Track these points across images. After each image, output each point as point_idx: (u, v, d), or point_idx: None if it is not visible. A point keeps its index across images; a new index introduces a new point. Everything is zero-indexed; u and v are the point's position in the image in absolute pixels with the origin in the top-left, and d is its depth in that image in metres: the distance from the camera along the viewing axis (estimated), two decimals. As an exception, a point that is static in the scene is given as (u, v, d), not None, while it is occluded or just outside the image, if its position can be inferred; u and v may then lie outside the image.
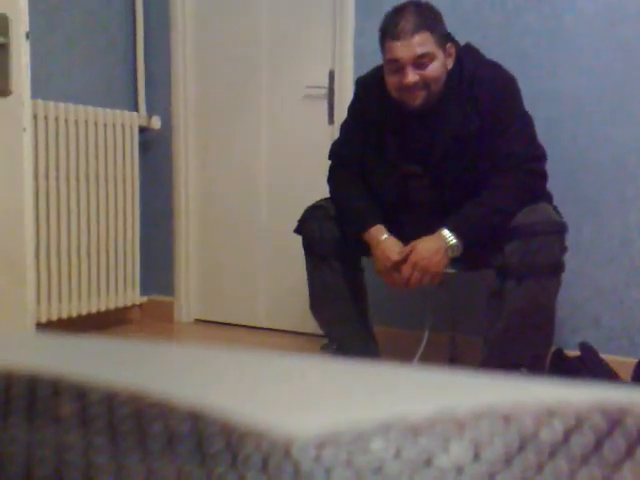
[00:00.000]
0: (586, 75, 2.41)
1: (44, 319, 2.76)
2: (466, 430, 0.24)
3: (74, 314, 2.89)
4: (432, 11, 2.02)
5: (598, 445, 0.24)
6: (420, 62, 1.97)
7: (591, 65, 2.40)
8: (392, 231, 2.08)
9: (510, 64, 2.12)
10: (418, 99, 2.01)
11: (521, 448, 0.24)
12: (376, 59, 2.11)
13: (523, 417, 0.25)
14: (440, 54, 2.00)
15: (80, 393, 0.25)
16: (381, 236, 2.05)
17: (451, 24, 2.11)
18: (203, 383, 0.28)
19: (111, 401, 0.24)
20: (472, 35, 2.28)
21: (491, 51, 2.17)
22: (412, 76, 1.97)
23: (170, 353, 0.32)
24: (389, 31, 1.99)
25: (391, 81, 2.04)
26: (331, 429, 0.24)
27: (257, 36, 3.08)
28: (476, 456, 0.23)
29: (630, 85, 2.35)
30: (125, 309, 3.22)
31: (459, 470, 0.23)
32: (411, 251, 1.97)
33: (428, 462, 0.23)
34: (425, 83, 1.99)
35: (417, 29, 1.95)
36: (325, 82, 2.91)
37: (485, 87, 2.03)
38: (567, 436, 0.24)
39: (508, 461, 0.23)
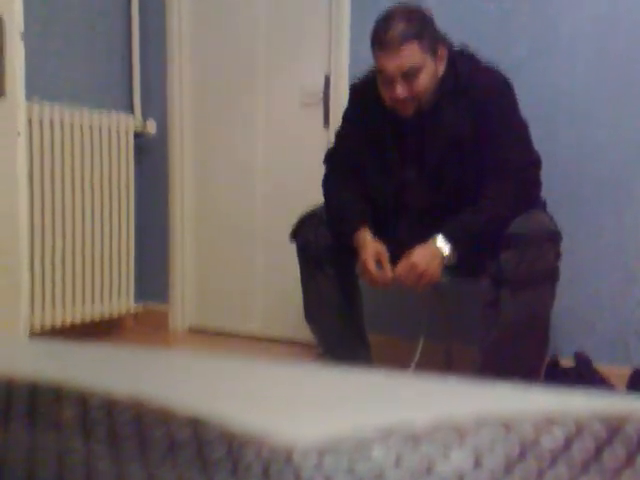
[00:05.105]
0: (581, 82, 2.42)
1: (38, 327, 2.75)
2: (467, 438, 0.24)
3: (68, 322, 2.88)
4: (421, 16, 2.00)
5: (598, 453, 0.24)
6: (408, 74, 1.97)
7: (586, 72, 2.41)
8: (388, 236, 2.08)
9: (505, 70, 2.12)
10: (409, 109, 2.02)
11: (522, 455, 0.24)
12: (371, 64, 2.11)
13: (524, 425, 0.25)
14: (429, 62, 2.00)
15: (81, 400, 0.25)
16: (365, 238, 2.04)
17: (446, 29, 2.11)
18: (203, 390, 0.28)
19: (112, 408, 0.24)
20: (466, 41, 2.28)
21: (485, 57, 2.17)
22: (401, 90, 1.98)
23: (170, 360, 0.32)
24: (377, 40, 1.99)
25: (383, 91, 2.04)
26: (332, 436, 0.24)
27: (253, 40, 3.09)
28: (477, 463, 0.23)
29: (625, 92, 2.36)
30: (119, 317, 3.20)
31: (460, 478, 0.23)
32: (409, 255, 1.96)
33: (429, 470, 0.23)
34: (414, 95, 1.99)
35: (404, 40, 1.94)
36: (321, 87, 2.92)
37: (481, 92, 2.03)
38: (567, 444, 0.24)
39: (509, 468, 0.23)
